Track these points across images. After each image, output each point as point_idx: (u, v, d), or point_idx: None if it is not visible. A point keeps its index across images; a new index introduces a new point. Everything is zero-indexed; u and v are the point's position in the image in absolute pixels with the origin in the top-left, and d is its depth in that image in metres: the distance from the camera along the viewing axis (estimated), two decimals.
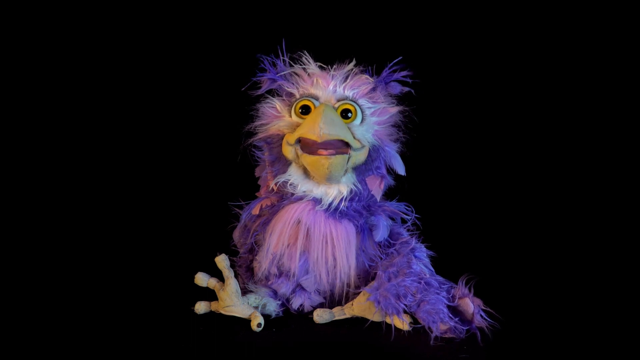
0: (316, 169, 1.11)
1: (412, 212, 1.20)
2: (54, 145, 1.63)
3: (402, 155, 1.19)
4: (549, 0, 1.58)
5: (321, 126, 1.07)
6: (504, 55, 1.60)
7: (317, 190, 1.15)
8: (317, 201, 1.14)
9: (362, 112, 1.15)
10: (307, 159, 1.11)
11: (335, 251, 1.12)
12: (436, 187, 1.55)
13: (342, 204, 1.14)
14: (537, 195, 1.61)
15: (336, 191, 1.14)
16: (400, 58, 1.17)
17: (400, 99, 1.19)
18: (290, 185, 1.15)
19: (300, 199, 1.15)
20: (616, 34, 1.55)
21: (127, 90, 1.64)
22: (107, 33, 1.61)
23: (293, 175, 1.15)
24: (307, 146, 1.11)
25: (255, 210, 1.20)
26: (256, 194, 1.24)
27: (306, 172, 1.15)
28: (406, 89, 1.19)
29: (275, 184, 1.17)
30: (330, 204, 1.14)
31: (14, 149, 1.60)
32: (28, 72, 1.60)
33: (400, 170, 1.19)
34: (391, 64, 1.17)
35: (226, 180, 1.39)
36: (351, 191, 1.15)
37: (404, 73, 1.18)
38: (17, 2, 1.57)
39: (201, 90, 1.61)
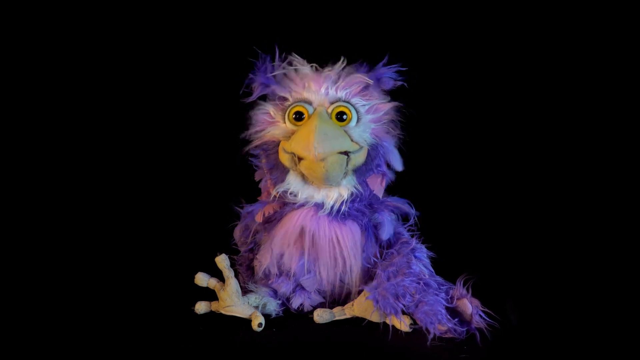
0: (313, 172, 1.10)
1: (413, 208, 1.20)
2: (55, 146, 1.62)
3: (400, 151, 1.19)
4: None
5: (315, 146, 1.06)
6: (503, 48, 1.58)
7: (318, 195, 1.14)
8: (319, 206, 1.14)
9: (357, 111, 1.14)
10: (304, 164, 1.10)
11: (344, 253, 1.12)
12: (435, 187, 1.55)
13: (344, 206, 1.13)
14: (537, 195, 1.61)
15: (337, 194, 1.14)
16: (387, 53, 1.16)
17: (395, 94, 1.18)
18: (290, 194, 1.15)
19: (302, 205, 1.14)
20: (616, 34, 1.55)
21: (128, 88, 1.63)
22: (105, 41, 1.61)
23: (292, 183, 1.15)
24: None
25: (259, 218, 1.19)
26: (258, 198, 1.24)
27: (305, 178, 1.14)
28: (399, 83, 1.18)
29: (277, 192, 1.16)
30: (332, 208, 1.13)
31: (14, 149, 1.60)
32: (27, 73, 1.59)
33: (398, 166, 1.19)
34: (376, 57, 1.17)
35: (227, 180, 1.39)
36: (352, 194, 1.14)
37: (395, 67, 1.17)
38: (17, 2, 1.57)
39: (202, 89, 1.61)
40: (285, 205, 1.16)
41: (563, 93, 1.59)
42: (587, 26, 1.55)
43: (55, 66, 1.60)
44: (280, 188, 1.15)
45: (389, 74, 1.17)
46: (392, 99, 1.18)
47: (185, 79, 1.61)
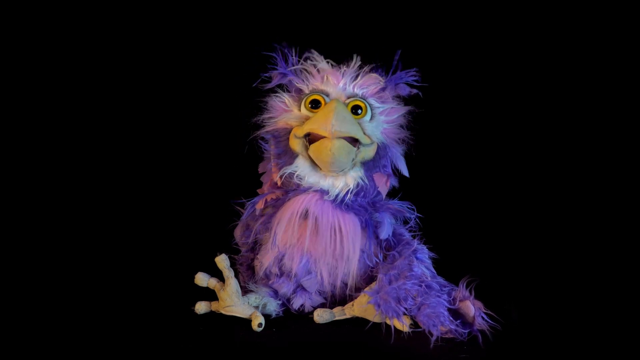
0: (319, 154, 1.10)
1: (414, 211, 1.20)
2: (55, 144, 1.62)
3: (406, 155, 1.20)
4: (560, 5, 1.58)
5: (333, 123, 1.07)
6: (508, 58, 1.60)
7: (324, 182, 1.14)
8: (324, 192, 1.14)
9: (372, 109, 1.16)
10: (313, 146, 1.11)
11: (343, 240, 1.12)
12: (438, 188, 1.55)
13: (348, 196, 1.13)
14: (539, 197, 1.61)
15: (343, 183, 1.14)
16: (399, 51, 1.17)
17: (407, 101, 1.20)
18: (296, 177, 1.15)
19: (307, 190, 1.15)
20: (616, 34, 1.55)
21: (129, 89, 1.63)
22: (110, 26, 1.61)
23: (300, 167, 1.15)
24: (315, 140, 1.11)
25: (260, 205, 1.18)
26: (258, 190, 1.24)
27: (313, 164, 1.14)
28: (414, 91, 1.19)
29: (280, 177, 1.16)
30: (337, 195, 1.13)
31: (14, 149, 1.60)
32: (28, 72, 1.60)
33: (405, 171, 1.20)
34: (393, 61, 1.18)
35: (227, 179, 1.39)
36: (358, 185, 1.14)
37: (413, 75, 1.19)
38: (17, 2, 1.57)
39: (203, 88, 1.61)
40: (288, 192, 1.16)
41: (561, 97, 1.60)
42: (586, 31, 1.56)
43: (54, 60, 1.61)
44: (288, 169, 1.15)
45: (406, 80, 1.19)
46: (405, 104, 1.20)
47: (185, 82, 1.62)
